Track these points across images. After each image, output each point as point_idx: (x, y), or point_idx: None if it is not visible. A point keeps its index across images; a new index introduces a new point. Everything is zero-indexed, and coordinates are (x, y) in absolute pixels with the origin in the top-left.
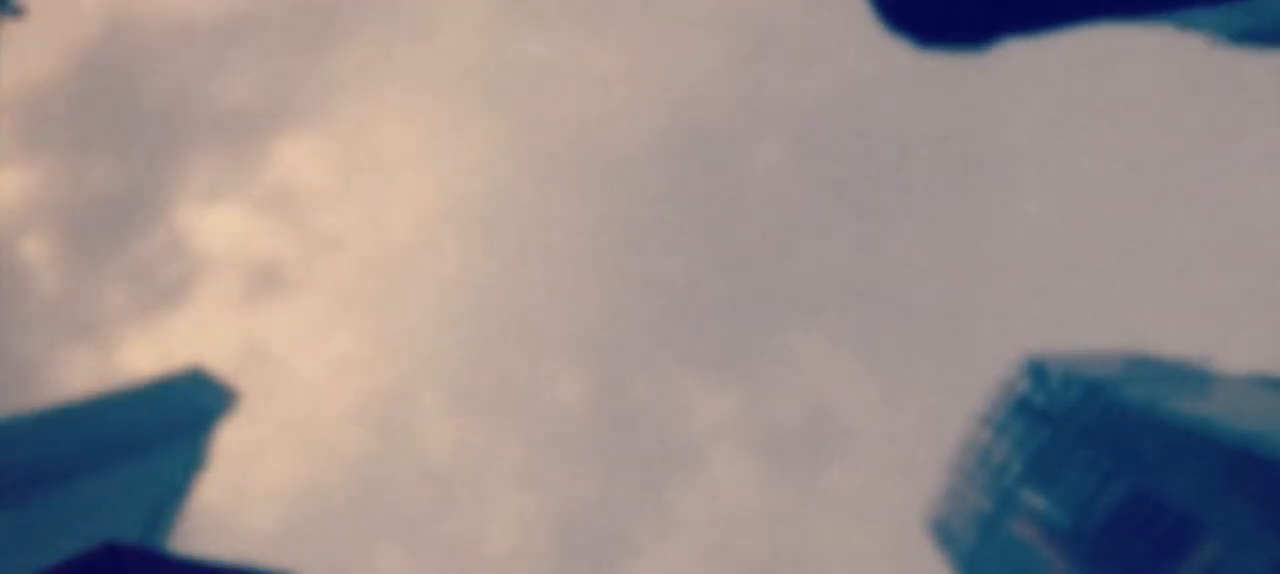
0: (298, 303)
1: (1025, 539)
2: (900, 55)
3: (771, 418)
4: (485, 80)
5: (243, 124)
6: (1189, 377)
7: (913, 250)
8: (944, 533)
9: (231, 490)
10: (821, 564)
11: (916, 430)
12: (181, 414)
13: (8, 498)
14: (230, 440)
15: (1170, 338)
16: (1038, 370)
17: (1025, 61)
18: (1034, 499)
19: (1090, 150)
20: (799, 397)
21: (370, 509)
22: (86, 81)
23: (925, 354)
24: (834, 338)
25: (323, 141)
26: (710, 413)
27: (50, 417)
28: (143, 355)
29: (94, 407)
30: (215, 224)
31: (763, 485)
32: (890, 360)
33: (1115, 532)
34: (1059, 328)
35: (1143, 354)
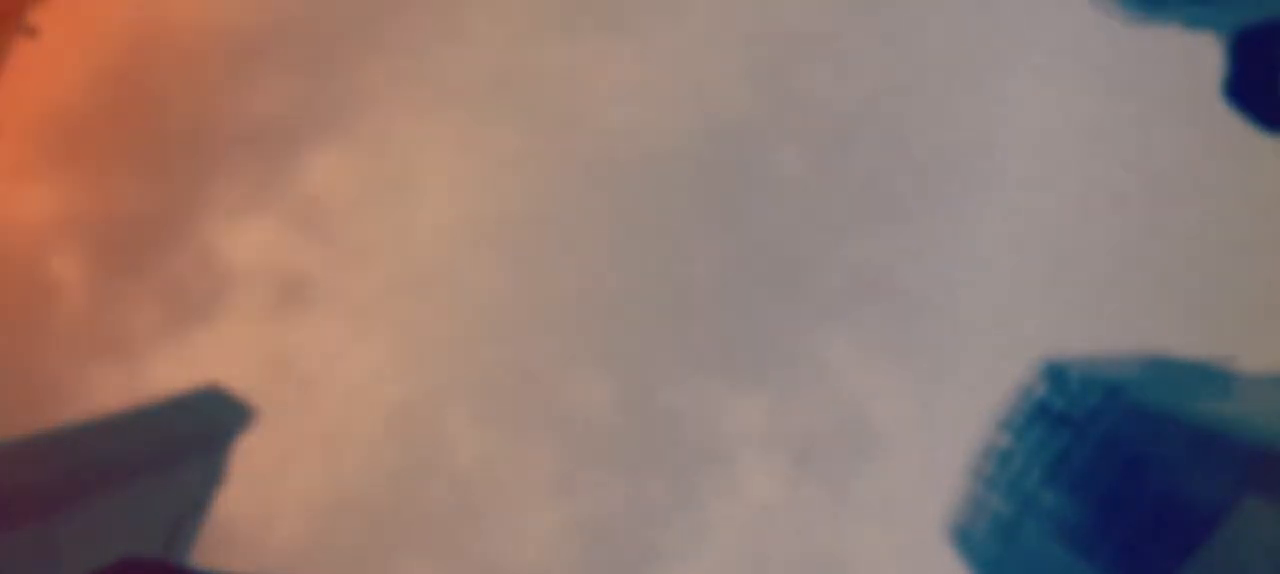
0: (326, 316)
1: (1046, 544)
2: (922, 59)
3: (801, 423)
4: (512, 89)
5: (270, 138)
6: (1210, 377)
7: (937, 252)
8: (964, 539)
9: (258, 504)
10: (853, 570)
11: (949, 434)
12: (200, 431)
13: (29, 514)
14: (256, 454)
15: (1191, 338)
16: (1056, 374)
17: (1042, 64)
18: (1055, 503)
19: (1108, 150)
20: (828, 401)
21: (398, 521)
22: (112, 98)
23: (955, 356)
24: (863, 342)
25: (350, 154)
26: (739, 418)
27: (70, 434)
28: (171, 370)
29: (113, 424)
30: (243, 238)
31: (793, 491)
32: (921, 363)
33: (1138, 535)
34: (1080, 328)
35: (1162, 355)
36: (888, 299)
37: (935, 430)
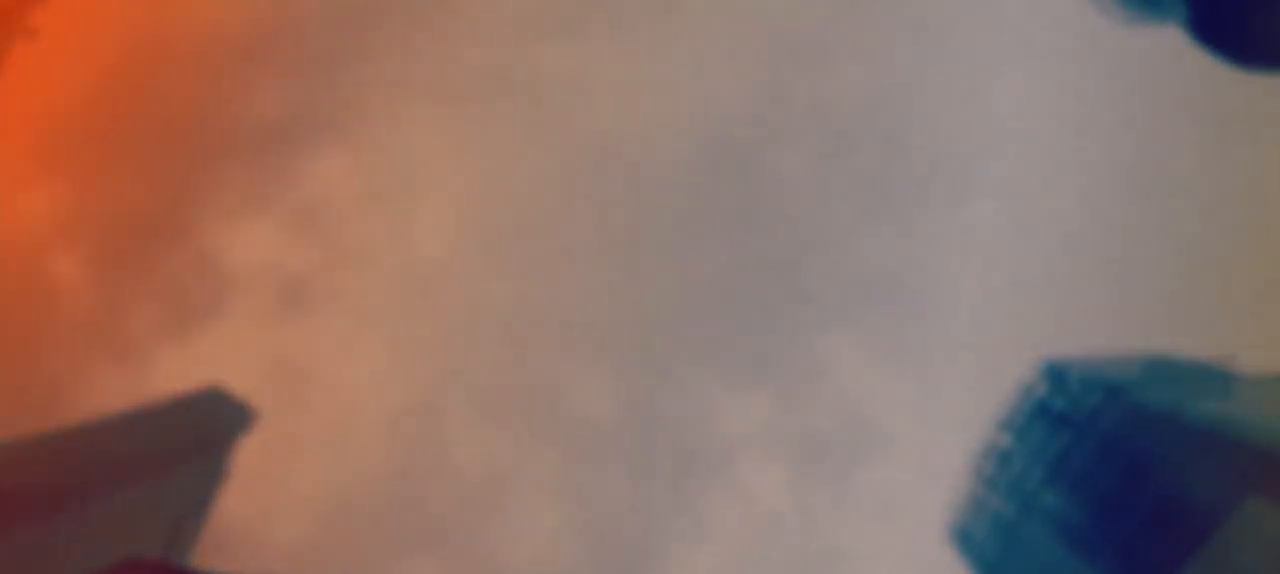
0: (326, 317)
1: (1047, 544)
2: (922, 60)
3: (802, 423)
4: (512, 89)
5: (270, 138)
6: (1211, 377)
7: (937, 253)
8: (965, 539)
9: (258, 504)
10: (853, 570)
11: (949, 434)
12: (200, 432)
13: (29, 514)
14: (256, 454)
15: (1191, 338)
16: (1057, 375)
17: (1042, 64)
18: (1056, 504)
19: (1108, 150)
20: (829, 401)
21: (399, 522)
22: (112, 99)
23: (955, 356)
24: (863, 342)
25: (349, 154)
26: (740, 418)
27: (70, 434)
28: (172, 372)
29: (113, 424)
30: (244, 240)
31: (793, 490)
32: (921, 363)
33: (1138, 535)
34: (1080, 327)
35: (1162, 355)
36: (888, 299)
37: (935, 430)
